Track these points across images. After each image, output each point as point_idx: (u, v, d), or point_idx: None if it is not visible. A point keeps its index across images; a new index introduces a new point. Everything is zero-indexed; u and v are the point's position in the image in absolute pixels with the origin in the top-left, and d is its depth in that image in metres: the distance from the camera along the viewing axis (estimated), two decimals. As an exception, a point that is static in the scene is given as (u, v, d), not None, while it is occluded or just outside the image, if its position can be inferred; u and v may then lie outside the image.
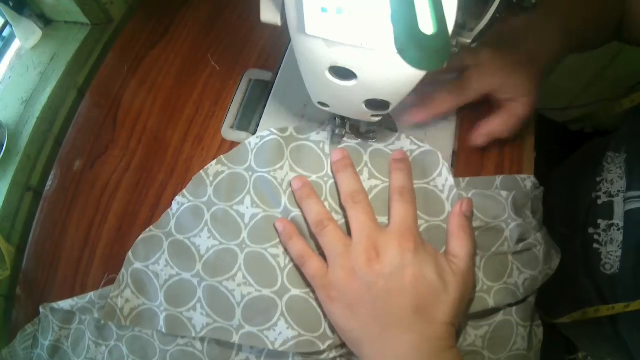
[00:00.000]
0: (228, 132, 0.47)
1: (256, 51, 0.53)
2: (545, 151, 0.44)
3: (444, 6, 0.20)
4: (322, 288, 0.36)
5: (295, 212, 0.40)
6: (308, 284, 0.39)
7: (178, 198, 0.43)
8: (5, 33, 0.58)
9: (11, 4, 0.53)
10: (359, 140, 0.43)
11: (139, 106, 0.50)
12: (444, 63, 0.20)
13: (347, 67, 0.29)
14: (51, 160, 0.51)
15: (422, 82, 0.31)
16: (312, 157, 0.43)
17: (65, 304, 0.41)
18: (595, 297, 0.45)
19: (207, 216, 0.42)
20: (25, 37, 0.55)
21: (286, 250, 0.40)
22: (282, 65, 0.50)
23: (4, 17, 0.54)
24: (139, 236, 0.43)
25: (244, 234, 0.41)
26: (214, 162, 0.44)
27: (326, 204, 0.41)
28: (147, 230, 0.42)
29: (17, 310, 0.44)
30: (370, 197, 0.41)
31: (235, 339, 0.38)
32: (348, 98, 0.34)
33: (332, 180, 0.42)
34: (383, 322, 0.34)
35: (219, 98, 0.50)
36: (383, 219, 0.40)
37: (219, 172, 0.43)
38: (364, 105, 0.35)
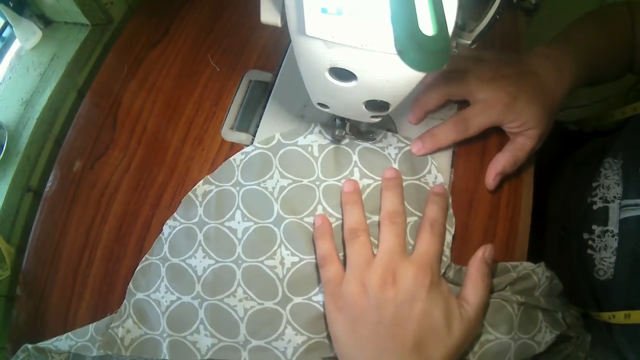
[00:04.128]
0: (228, 133, 0.47)
1: (256, 52, 0.53)
2: (544, 151, 0.44)
3: (444, 7, 0.20)
4: (331, 295, 0.37)
5: (289, 219, 0.40)
6: (308, 290, 0.39)
7: (169, 222, 0.43)
8: (5, 33, 0.58)
9: (11, 4, 0.54)
10: (347, 140, 0.43)
11: (139, 107, 0.50)
12: (443, 64, 0.20)
13: (347, 68, 0.29)
14: (51, 161, 0.51)
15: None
16: (302, 162, 0.43)
17: (63, 345, 0.39)
18: (592, 301, 0.45)
19: (200, 236, 0.42)
20: (25, 37, 0.56)
21: (315, 246, 0.39)
22: (282, 66, 0.50)
23: (4, 17, 0.54)
24: (138, 236, 0.44)
25: (239, 250, 0.41)
26: (201, 182, 0.44)
27: (319, 207, 0.41)
28: (143, 259, 0.42)
29: (17, 310, 0.44)
30: (363, 196, 0.41)
31: (245, 355, 0.37)
32: (348, 99, 0.34)
33: (324, 184, 0.42)
34: (381, 346, 0.34)
35: (219, 99, 0.50)
36: (375, 218, 0.40)
37: (206, 191, 0.43)
38: (363, 107, 0.35)
